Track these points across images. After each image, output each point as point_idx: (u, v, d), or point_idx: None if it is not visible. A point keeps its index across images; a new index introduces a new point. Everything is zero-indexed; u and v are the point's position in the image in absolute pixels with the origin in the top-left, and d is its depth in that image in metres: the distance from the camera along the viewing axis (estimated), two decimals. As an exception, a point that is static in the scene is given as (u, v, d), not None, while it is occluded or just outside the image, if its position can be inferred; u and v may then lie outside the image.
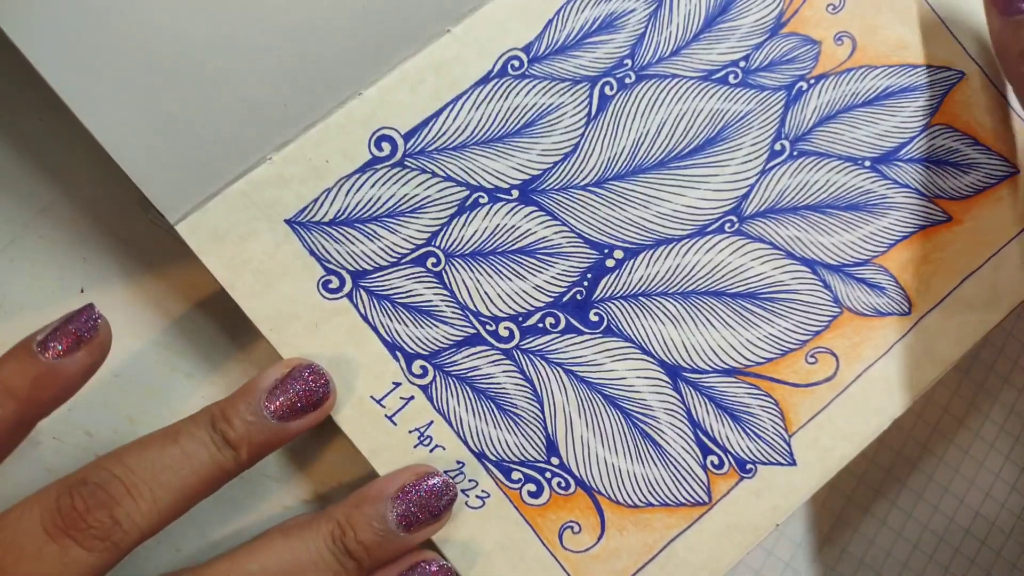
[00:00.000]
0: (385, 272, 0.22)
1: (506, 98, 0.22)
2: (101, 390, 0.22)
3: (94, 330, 0.19)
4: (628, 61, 0.23)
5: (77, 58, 0.20)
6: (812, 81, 0.24)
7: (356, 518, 0.19)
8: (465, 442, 0.21)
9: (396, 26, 0.21)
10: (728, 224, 0.23)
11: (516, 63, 0.22)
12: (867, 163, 0.24)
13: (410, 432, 0.21)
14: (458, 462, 0.21)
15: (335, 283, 0.21)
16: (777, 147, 0.23)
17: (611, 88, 0.23)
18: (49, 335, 0.18)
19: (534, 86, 0.22)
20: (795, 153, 0.24)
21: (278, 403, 0.19)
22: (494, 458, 0.21)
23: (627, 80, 0.23)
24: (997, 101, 0.24)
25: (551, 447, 0.22)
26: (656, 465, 0.22)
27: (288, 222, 0.21)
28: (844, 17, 0.24)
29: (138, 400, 0.22)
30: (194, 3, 0.20)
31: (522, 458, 0.22)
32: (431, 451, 0.21)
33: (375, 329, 0.21)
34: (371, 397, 0.21)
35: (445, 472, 0.21)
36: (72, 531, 0.17)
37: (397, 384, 0.21)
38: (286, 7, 0.21)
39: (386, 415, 0.21)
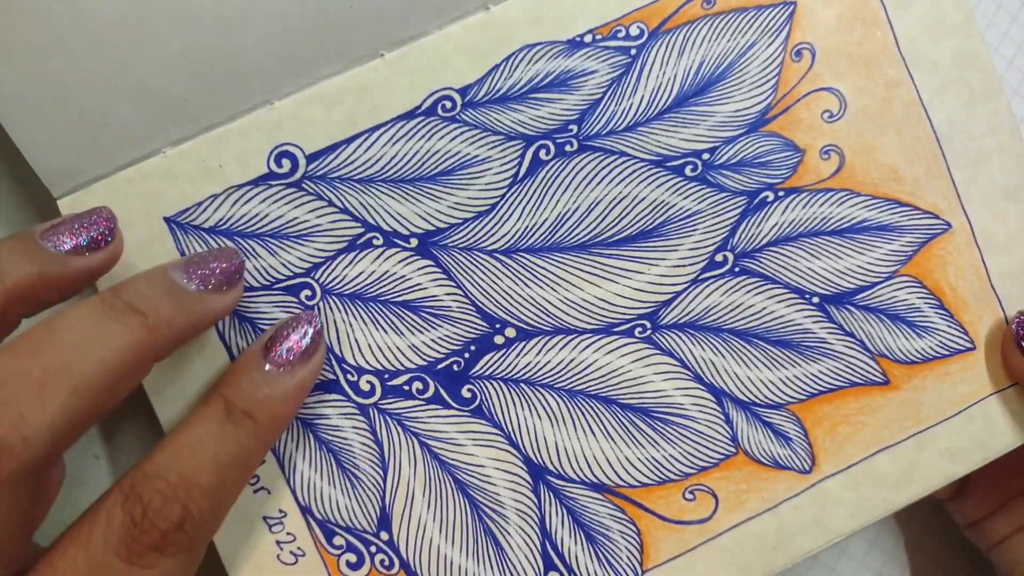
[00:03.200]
0: (255, 293, 0.22)
1: (428, 139, 0.22)
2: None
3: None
4: (574, 127, 0.22)
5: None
6: (781, 193, 0.23)
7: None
8: (293, 491, 0.22)
9: (324, 39, 0.21)
10: (639, 329, 0.23)
11: (448, 104, 0.22)
12: (815, 299, 0.23)
13: (239, 467, 0.22)
14: (280, 511, 0.22)
15: (200, 294, 0.22)
16: (719, 258, 0.23)
17: (547, 152, 0.22)
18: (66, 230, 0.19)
19: (462, 133, 0.22)
20: (736, 269, 0.23)
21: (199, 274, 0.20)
22: (320, 516, 0.22)
23: (567, 147, 0.22)
24: (976, 267, 0.23)
25: (384, 520, 0.22)
26: (491, 568, 0.22)
27: (167, 220, 0.22)
28: (840, 128, 0.23)
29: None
30: (101, -27, 0.20)
31: (350, 524, 0.22)
32: (255, 492, 0.22)
33: (228, 349, 0.22)
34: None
35: (264, 518, 0.22)
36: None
37: (240, 413, 0.22)
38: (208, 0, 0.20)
39: (221, 443, 0.22)
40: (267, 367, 0.20)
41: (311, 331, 0.20)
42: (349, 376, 0.22)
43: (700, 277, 0.23)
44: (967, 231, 0.23)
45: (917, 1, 0.23)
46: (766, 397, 0.23)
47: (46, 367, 0.17)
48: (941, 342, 0.23)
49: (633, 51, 0.22)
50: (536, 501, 0.23)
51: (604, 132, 0.23)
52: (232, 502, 0.19)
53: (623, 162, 0.23)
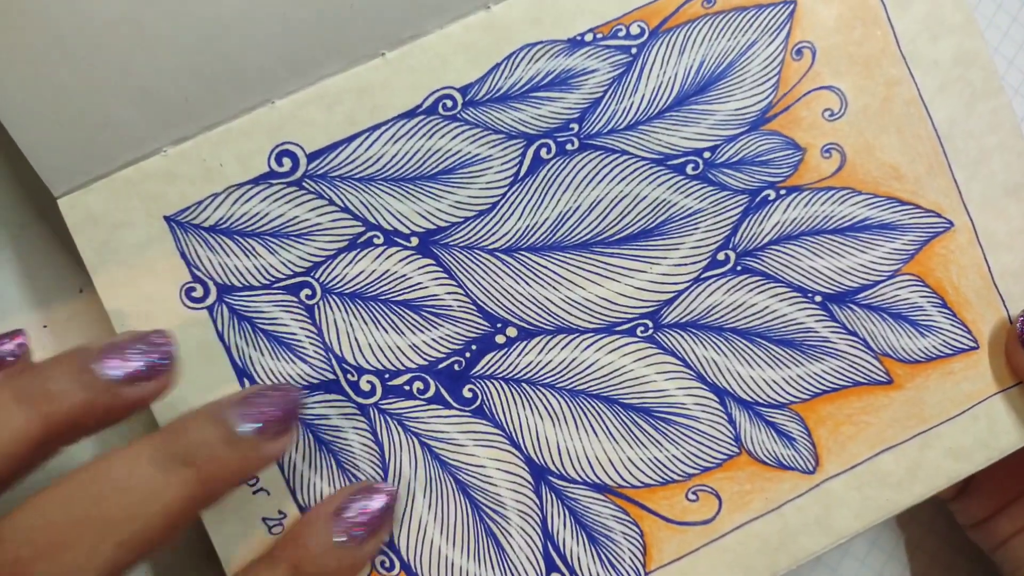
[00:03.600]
0: (254, 292, 0.22)
1: (429, 138, 0.22)
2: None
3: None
4: (575, 125, 0.22)
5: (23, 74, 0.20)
6: (783, 192, 0.23)
7: (190, 423, 0.18)
8: (293, 492, 0.22)
9: (325, 39, 0.21)
10: (641, 328, 0.23)
11: (449, 103, 0.22)
12: (817, 298, 0.23)
13: (238, 468, 0.22)
14: (280, 512, 0.22)
15: (199, 292, 0.22)
16: (720, 256, 0.23)
17: (548, 151, 0.22)
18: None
19: (463, 131, 0.22)
20: (739, 268, 0.23)
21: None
22: (319, 517, 0.22)
23: (568, 146, 0.22)
24: (979, 266, 0.23)
25: (383, 520, 0.22)
26: (493, 569, 0.22)
27: (167, 219, 0.22)
28: (841, 127, 0.23)
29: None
30: (102, -28, 0.20)
31: (349, 524, 0.22)
32: (254, 493, 0.22)
33: (228, 350, 0.22)
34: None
35: (264, 519, 0.22)
36: None
37: (240, 414, 0.22)
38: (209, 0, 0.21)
39: (220, 443, 0.22)
40: (235, 427, 0.18)
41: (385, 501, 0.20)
42: (349, 376, 0.22)
43: (702, 276, 0.23)
44: (969, 229, 0.23)
45: (917, 0, 0.23)
46: (769, 397, 0.23)
47: (97, 518, 0.17)
48: (944, 341, 0.23)
49: (634, 50, 0.23)
50: (538, 502, 0.22)
51: (605, 131, 0.23)
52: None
53: (624, 161, 0.23)
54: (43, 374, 0.17)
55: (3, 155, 0.23)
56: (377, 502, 0.20)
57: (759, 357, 0.23)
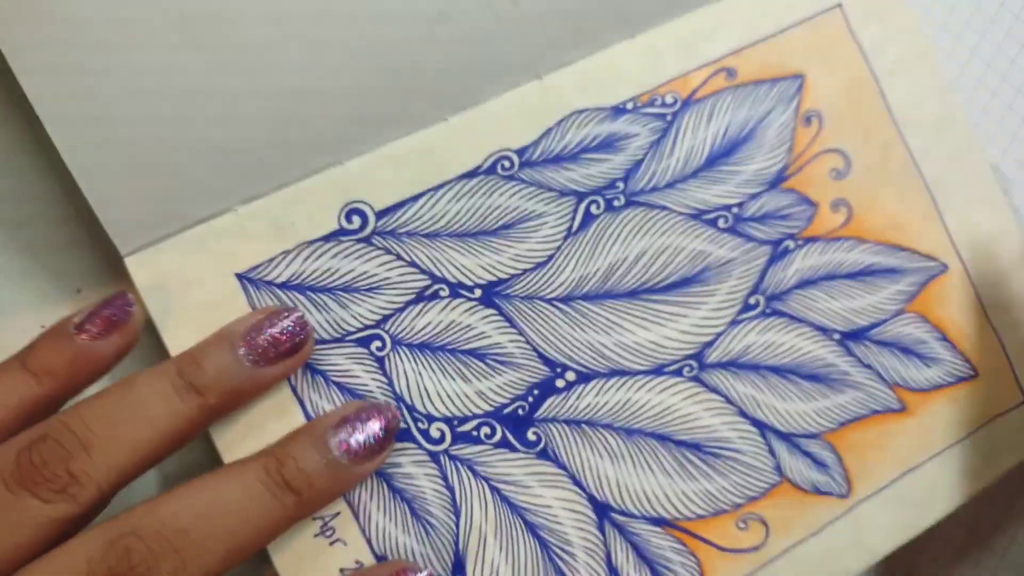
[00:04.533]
0: (327, 346, 0.22)
1: (489, 196, 0.23)
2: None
3: (127, 315, 0.20)
4: (620, 184, 0.24)
5: (59, 75, 0.20)
6: (800, 242, 0.26)
7: (293, 447, 0.20)
8: (369, 542, 0.22)
9: (393, 104, 0.23)
10: (687, 368, 0.24)
11: (507, 163, 0.24)
12: (836, 335, 0.26)
13: (314, 519, 0.22)
14: (357, 562, 0.22)
15: (272, 348, 0.22)
16: (752, 301, 0.25)
17: (598, 207, 0.24)
18: (85, 318, 0.20)
19: (520, 190, 0.24)
20: (768, 311, 0.25)
21: (256, 343, 0.21)
22: (396, 565, 0.22)
23: (616, 203, 0.24)
24: (972, 303, 0.26)
25: (458, 566, 0.23)
26: (562, 604, 0.23)
27: (239, 276, 0.22)
28: (847, 184, 0.26)
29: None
30: (189, 42, 0.21)
31: (425, 571, 0.22)
32: (331, 544, 0.22)
33: (302, 403, 0.22)
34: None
35: (341, 570, 0.22)
36: (30, 484, 0.18)
37: (313, 466, 0.22)
38: (283, 65, 0.22)
39: (294, 497, 0.22)
40: (332, 447, 0.20)
41: (386, 427, 0.21)
42: (420, 424, 0.23)
43: (737, 319, 0.25)
44: (961, 271, 0.26)
45: (902, 72, 0.26)
46: (803, 427, 0.25)
47: (205, 530, 0.19)
48: (947, 371, 0.26)
49: (669, 117, 0.25)
50: (602, 538, 0.24)
51: (648, 189, 0.25)
52: (133, 473, 0.19)
53: (665, 216, 0.25)
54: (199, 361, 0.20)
55: (3, 155, 0.23)
56: (374, 424, 0.21)
57: (791, 391, 0.25)
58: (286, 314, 0.21)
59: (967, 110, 0.26)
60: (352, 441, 0.21)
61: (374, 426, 0.21)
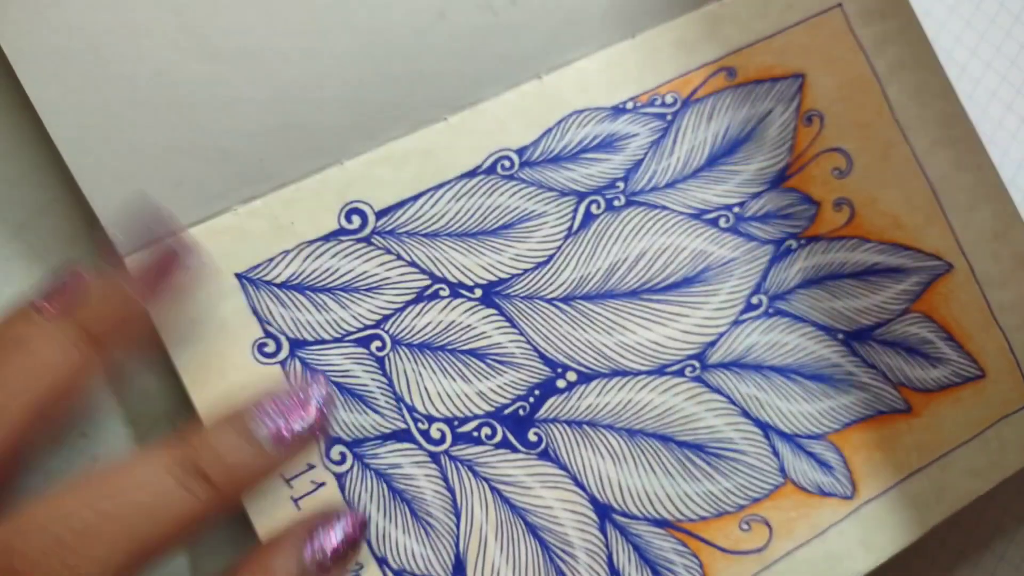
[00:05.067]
0: (326, 346, 0.22)
1: (489, 196, 0.23)
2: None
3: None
4: (621, 184, 0.24)
5: (60, 76, 0.21)
6: (803, 241, 0.26)
7: (210, 433, 0.19)
8: (369, 543, 0.22)
9: (392, 105, 0.23)
10: (689, 369, 0.24)
11: (507, 163, 0.24)
12: (840, 335, 0.25)
13: (314, 521, 0.22)
14: (357, 563, 0.22)
15: (271, 347, 0.22)
16: (754, 300, 0.25)
17: (598, 207, 0.24)
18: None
19: (520, 189, 0.24)
20: (771, 311, 0.25)
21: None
22: (396, 567, 0.22)
23: (616, 202, 0.24)
24: (978, 302, 0.26)
25: (459, 567, 0.22)
26: (564, 607, 0.23)
27: (238, 276, 0.22)
28: (849, 183, 0.26)
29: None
30: (189, 43, 0.21)
31: (425, 572, 0.22)
32: (331, 546, 0.22)
33: (302, 405, 0.22)
34: (281, 475, 0.22)
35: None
36: None
37: (311, 466, 0.22)
38: (283, 65, 0.22)
39: (292, 497, 0.22)
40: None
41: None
42: (420, 425, 0.23)
43: (740, 319, 0.25)
44: (967, 270, 0.26)
45: (903, 72, 0.26)
46: (807, 428, 0.25)
47: (114, 520, 0.17)
48: (953, 371, 0.26)
49: (669, 117, 0.25)
50: (603, 539, 0.23)
51: (647, 188, 0.25)
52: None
53: (665, 215, 0.25)
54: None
55: (3, 154, 0.23)
56: (336, 534, 0.20)
57: (795, 392, 0.25)
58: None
59: (966, 110, 0.26)
60: (279, 427, 0.19)
61: (302, 414, 0.19)
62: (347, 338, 0.23)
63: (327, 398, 0.20)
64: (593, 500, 0.23)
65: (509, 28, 0.24)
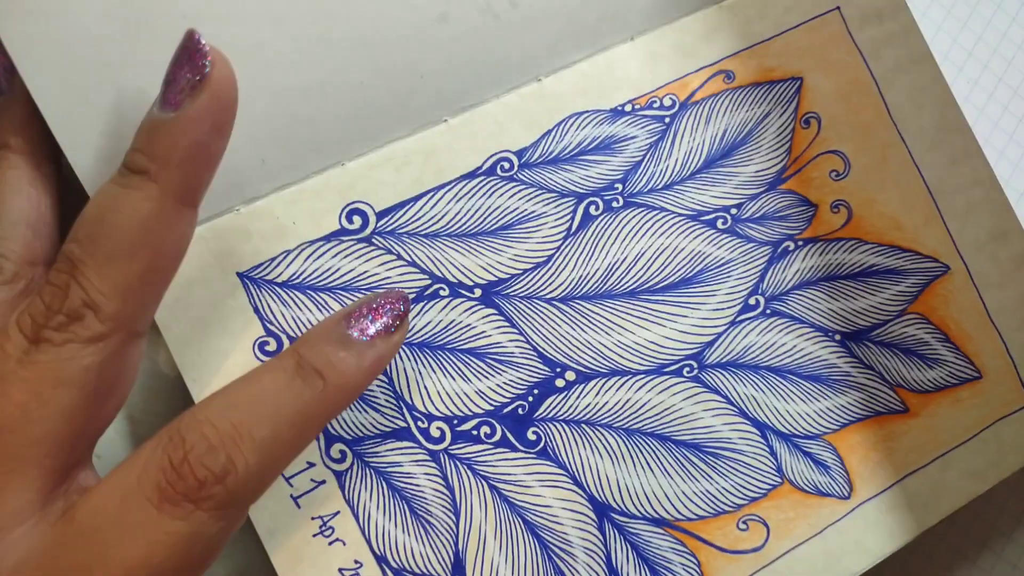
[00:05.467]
0: (327, 346, 0.23)
1: (489, 196, 0.24)
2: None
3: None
4: (619, 185, 0.25)
5: (62, 75, 0.21)
6: (800, 243, 0.26)
7: (312, 336, 0.20)
8: (369, 541, 0.22)
9: (393, 106, 0.23)
10: (687, 369, 0.24)
11: (506, 164, 0.24)
12: (837, 336, 0.26)
13: (313, 519, 0.22)
14: (356, 561, 0.22)
15: (272, 346, 0.22)
16: (752, 301, 0.25)
17: (596, 208, 0.24)
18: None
19: (519, 190, 0.24)
20: (768, 311, 0.25)
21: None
22: (395, 565, 0.22)
23: (614, 204, 0.25)
24: (975, 304, 0.26)
25: (458, 566, 0.23)
26: (562, 605, 0.23)
27: (240, 275, 0.22)
28: (846, 185, 0.26)
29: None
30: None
31: (425, 570, 0.22)
32: (330, 543, 0.22)
33: (303, 403, 0.22)
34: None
35: (340, 570, 0.22)
36: (180, 501, 0.18)
37: (311, 464, 0.22)
38: (286, 66, 0.22)
39: (292, 495, 0.22)
40: (350, 332, 0.20)
41: (398, 309, 0.20)
42: (420, 423, 0.23)
43: (737, 319, 0.25)
44: (964, 272, 0.26)
45: (901, 76, 0.27)
46: (804, 428, 0.25)
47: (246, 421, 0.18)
48: (950, 372, 0.26)
49: (667, 119, 0.25)
50: (602, 538, 0.24)
51: (646, 190, 0.25)
52: (283, 467, 0.19)
53: (663, 217, 0.25)
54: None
55: None
56: (387, 308, 0.20)
57: (792, 392, 0.25)
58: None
59: (964, 111, 0.26)
60: (367, 324, 0.20)
61: (384, 311, 0.20)
62: (348, 337, 0.23)
63: (404, 300, 0.21)
64: (592, 499, 0.24)
65: (509, 31, 0.24)
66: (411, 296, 0.23)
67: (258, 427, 0.18)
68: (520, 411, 0.24)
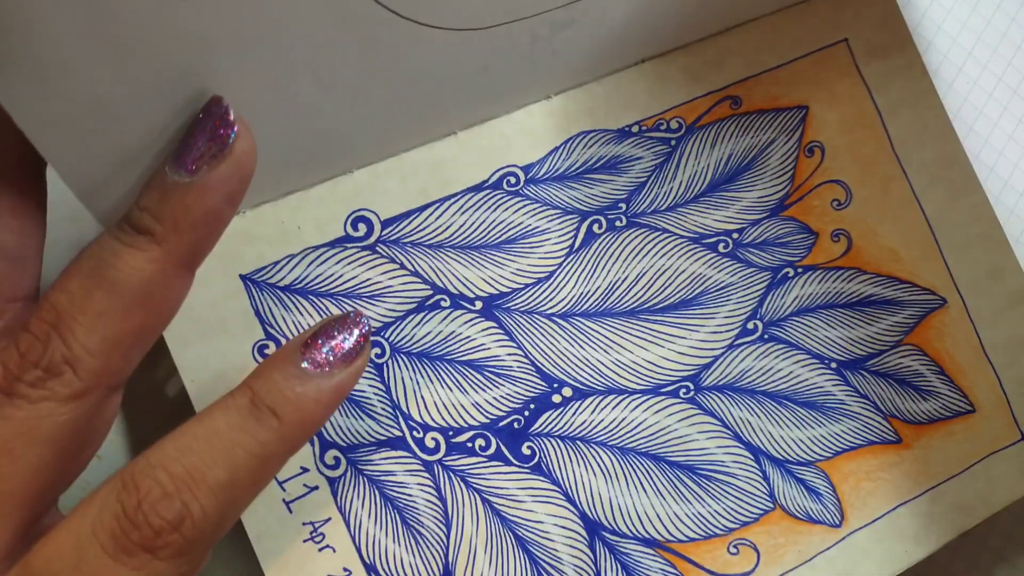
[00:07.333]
0: (326, 352, 0.23)
1: (494, 210, 0.24)
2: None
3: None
4: (623, 205, 0.25)
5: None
6: (800, 270, 0.26)
7: (264, 371, 0.19)
8: (359, 549, 0.22)
9: (403, 118, 0.23)
10: (684, 390, 0.25)
11: (512, 179, 0.24)
12: (833, 364, 0.26)
13: (304, 524, 0.22)
14: (345, 569, 0.22)
15: (272, 350, 0.22)
16: (750, 326, 0.25)
17: (600, 226, 0.25)
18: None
19: (524, 206, 0.24)
20: (766, 336, 0.25)
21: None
22: (384, 574, 0.22)
23: (617, 223, 0.25)
24: (970, 338, 0.26)
25: (446, 576, 0.22)
26: (549, 622, 0.23)
27: (243, 277, 0.22)
28: (847, 215, 0.26)
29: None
30: (207, 50, 0.22)
31: (413, 581, 0.22)
32: (320, 550, 0.22)
33: (299, 408, 0.22)
34: (274, 477, 0.22)
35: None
36: (132, 551, 0.17)
37: (305, 470, 0.22)
38: (298, 76, 0.22)
39: (284, 499, 0.22)
40: (304, 364, 0.18)
41: (357, 333, 0.19)
42: (415, 433, 0.23)
43: (735, 343, 0.25)
44: (960, 306, 0.26)
45: (905, 110, 0.27)
46: (797, 455, 0.25)
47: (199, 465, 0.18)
48: (944, 405, 0.26)
49: (673, 142, 0.26)
50: (592, 557, 0.23)
51: (649, 211, 0.25)
52: (244, 507, 0.18)
53: (666, 238, 0.25)
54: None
55: None
56: (344, 333, 0.19)
57: (787, 418, 0.25)
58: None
59: (963, 111, 0.26)
60: (325, 354, 0.19)
61: (342, 336, 0.19)
62: (347, 344, 0.23)
63: (359, 315, 0.20)
64: (583, 516, 0.24)
65: (540, 67, 0.24)
66: (412, 306, 0.23)
67: (213, 471, 0.17)
68: (516, 425, 0.24)
